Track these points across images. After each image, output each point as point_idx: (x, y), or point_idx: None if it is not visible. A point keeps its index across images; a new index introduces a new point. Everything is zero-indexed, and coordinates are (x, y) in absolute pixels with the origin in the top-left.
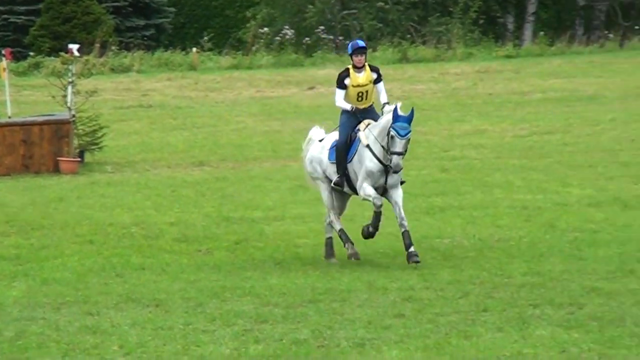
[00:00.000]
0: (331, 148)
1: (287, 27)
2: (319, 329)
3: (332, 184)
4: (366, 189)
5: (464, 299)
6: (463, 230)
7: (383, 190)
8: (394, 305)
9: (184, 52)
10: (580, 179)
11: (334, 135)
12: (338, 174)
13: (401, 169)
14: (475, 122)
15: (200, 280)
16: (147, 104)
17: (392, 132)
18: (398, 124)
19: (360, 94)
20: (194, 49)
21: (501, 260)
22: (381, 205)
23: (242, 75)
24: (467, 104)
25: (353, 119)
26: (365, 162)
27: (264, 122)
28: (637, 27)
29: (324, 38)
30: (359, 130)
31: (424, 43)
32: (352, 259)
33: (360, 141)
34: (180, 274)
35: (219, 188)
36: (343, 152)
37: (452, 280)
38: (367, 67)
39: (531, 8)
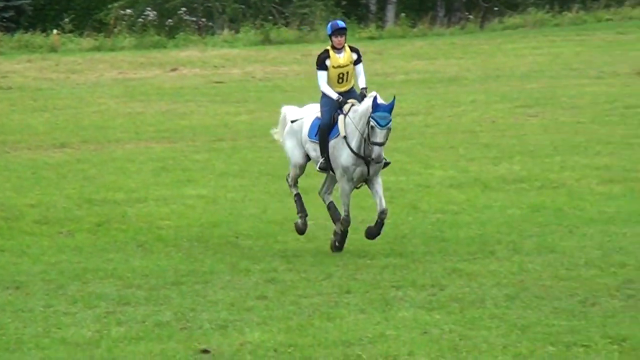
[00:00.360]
0: (312, 125)
1: (149, 8)
2: (182, 311)
3: (317, 169)
4: (344, 198)
5: (327, 281)
6: (326, 213)
7: (364, 180)
8: (256, 287)
9: (44, 34)
10: (442, 161)
11: (311, 112)
12: (322, 156)
13: (382, 160)
14: None
15: (62, 262)
16: (7, 86)
17: (372, 122)
18: (378, 113)
19: (341, 75)
20: (55, 31)
21: (364, 242)
22: (348, 222)
23: (104, 57)
24: None
25: (335, 101)
26: (340, 159)
27: (126, 104)
28: (496, 9)
29: (186, 20)
30: (340, 113)
31: (286, 25)
32: (296, 228)
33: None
34: (40, 256)
35: (80, 170)
36: (327, 134)
37: (315, 262)
38: (347, 48)
39: None
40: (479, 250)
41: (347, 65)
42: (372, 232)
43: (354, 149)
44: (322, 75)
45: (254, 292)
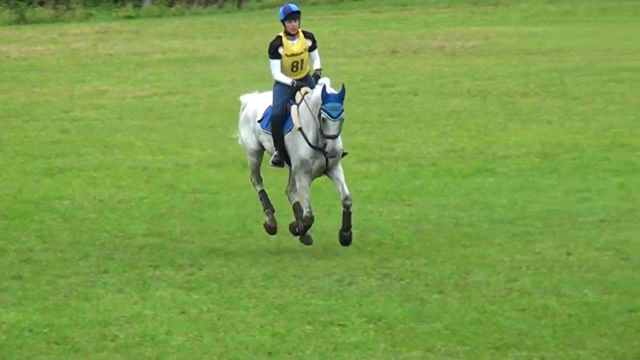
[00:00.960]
0: (265, 115)
1: None
2: None
3: (270, 163)
4: (302, 192)
5: (84, 261)
6: (83, 192)
7: (323, 172)
8: (11, 267)
9: None
10: (201, 140)
11: (262, 100)
12: (275, 149)
13: (337, 153)
14: (95, 83)
15: None
16: None
17: (324, 115)
18: (329, 104)
19: (295, 64)
20: None
21: (122, 222)
22: (312, 219)
23: None
24: (87, 64)
25: (289, 89)
26: (298, 151)
27: None
28: None
29: None
30: (293, 103)
31: (41, 4)
32: (265, 228)
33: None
34: None
35: None
36: (279, 125)
37: (72, 242)
38: (301, 34)
39: None
40: (237, 229)
41: (301, 53)
42: (345, 239)
43: (311, 142)
44: (275, 64)
45: (9, 272)
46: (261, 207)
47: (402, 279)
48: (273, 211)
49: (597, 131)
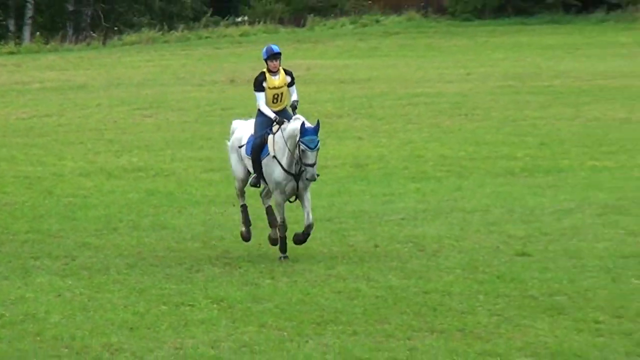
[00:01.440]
0: (248, 143)
1: None
2: None
3: (249, 184)
4: (278, 207)
5: None
6: None
7: (295, 194)
8: None
9: None
10: (73, 154)
11: (247, 128)
12: (254, 173)
13: (315, 179)
14: None
15: None
16: None
17: (303, 147)
18: (307, 137)
19: (276, 96)
20: None
21: (7, 221)
22: (284, 228)
23: None
24: None
25: (269, 119)
26: (273, 175)
27: None
28: (116, 28)
29: None
30: (270, 132)
31: None
32: (241, 236)
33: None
34: None
35: None
36: (258, 152)
37: None
38: (282, 71)
39: (29, 12)
40: (104, 227)
41: (281, 87)
42: (299, 239)
43: (285, 167)
44: (260, 96)
45: None
46: (240, 219)
47: (240, 267)
48: (249, 224)
49: (398, 145)
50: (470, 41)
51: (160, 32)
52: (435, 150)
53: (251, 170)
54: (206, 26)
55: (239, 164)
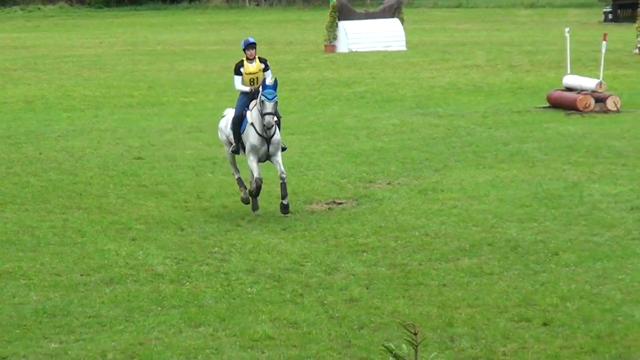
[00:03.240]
0: (228, 120)
1: None
2: None
3: (230, 151)
4: (251, 165)
5: None
6: None
7: (267, 157)
8: None
9: None
10: None
11: (231, 114)
12: (235, 142)
13: (272, 125)
14: None
15: None
16: None
17: (262, 98)
18: (265, 90)
19: (252, 80)
20: None
21: None
22: (260, 180)
23: None
24: None
25: (247, 98)
26: (249, 139)
27: None
28: None
29: None
30: (248, 108)
31: None
32: (242, 201)
33: (248, 119)
34: None
35: None
36: (237, 125)
37: None
38: (257, 59)
39: None
40: None
41: (257, 72)
42: (283, 202)
43: (259, 132)
44: (237, 78)
45: None
46: (237, 187)
47: None
48: (245, 189)
49: (55, 88)
50: (102, 21)
51: None
52: (80, 92)
53: (232, 141)
54: None
55: (224, 139)
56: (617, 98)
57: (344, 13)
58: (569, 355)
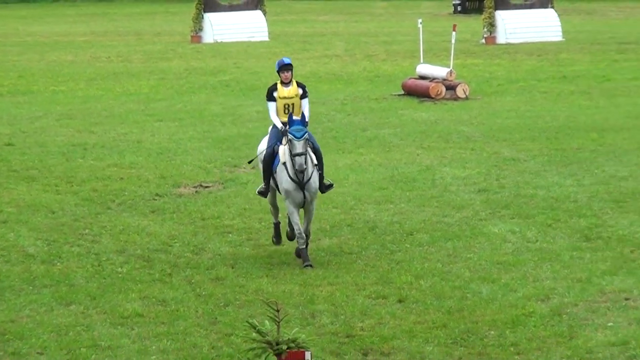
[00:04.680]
0: (260, 153)
1: None
2: None
3: (256, 192)
4: (292, 218)
5: None
6: None
7: (303, 204)
8: None
9: None
10: None
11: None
12: (264, 182)
13: (305, 168)
14: None
15: None
16: None
17: (290, 136)
18: (293, 127)
19: (286, 106)
20: None
21: None
22: (302, 235)
23: None
24: None
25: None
26: (282, 183)
27: None
28: None
29: None
30: (281, 143)
31: None
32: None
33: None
34: None
35: None
36: (269, 163)
37: None
38: (294, 83)
39: None
40: None
41: (292, 97)
42: (303, 259)
43: (291, 175)
44: (270, 105)
45: None
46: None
47: None
48: (280, 238)
49: None
50: None
51: None
52: None
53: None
54: None
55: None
56: (466, 86)
57: (209, 5)
58: (422, 330)
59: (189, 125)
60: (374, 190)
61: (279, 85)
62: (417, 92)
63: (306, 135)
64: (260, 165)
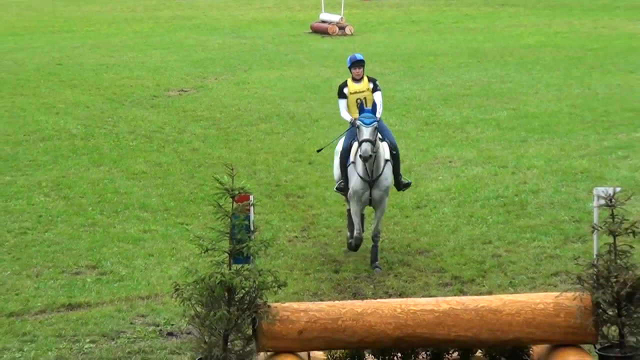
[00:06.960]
0: (337, 152)
1: None
2: None
3: (334, 189)
4: (353, 218)
5: None
6: None
7: (370, 202)
8: None
9: None
10: None
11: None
12: (342, 178)
13: (369, 155)
14: None
15: None
16: None
17: (358, 122)
18: (363, 114)
19: (358, 100)
20: None
21: None
22: (360, 240)
23: None
24: None
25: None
26: (351, 181)
27: None
28: None
29: None
30: (355, 140)
31: None
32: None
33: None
34: None
35: None
36: (345, 158)
37: None
38: (365, 78)
39: None
40: None
41: (364, 91)
42: (372, 259)
43: (360, 174)
44: (341, 102)
45: None
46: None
47: None
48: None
49: None
50: None
51: None
52: None
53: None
54: None
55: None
56: (351, 27)
57: None
58: (324, 182)
59: (174, 52)
60: (292, 93)
61: (349, 81)
62: (320, 31)
63: (375, 124)
64: (337, 161)
